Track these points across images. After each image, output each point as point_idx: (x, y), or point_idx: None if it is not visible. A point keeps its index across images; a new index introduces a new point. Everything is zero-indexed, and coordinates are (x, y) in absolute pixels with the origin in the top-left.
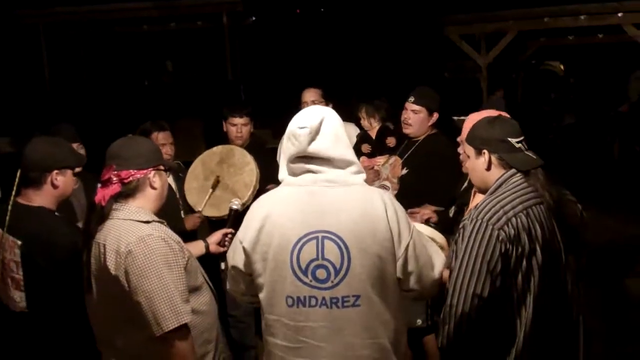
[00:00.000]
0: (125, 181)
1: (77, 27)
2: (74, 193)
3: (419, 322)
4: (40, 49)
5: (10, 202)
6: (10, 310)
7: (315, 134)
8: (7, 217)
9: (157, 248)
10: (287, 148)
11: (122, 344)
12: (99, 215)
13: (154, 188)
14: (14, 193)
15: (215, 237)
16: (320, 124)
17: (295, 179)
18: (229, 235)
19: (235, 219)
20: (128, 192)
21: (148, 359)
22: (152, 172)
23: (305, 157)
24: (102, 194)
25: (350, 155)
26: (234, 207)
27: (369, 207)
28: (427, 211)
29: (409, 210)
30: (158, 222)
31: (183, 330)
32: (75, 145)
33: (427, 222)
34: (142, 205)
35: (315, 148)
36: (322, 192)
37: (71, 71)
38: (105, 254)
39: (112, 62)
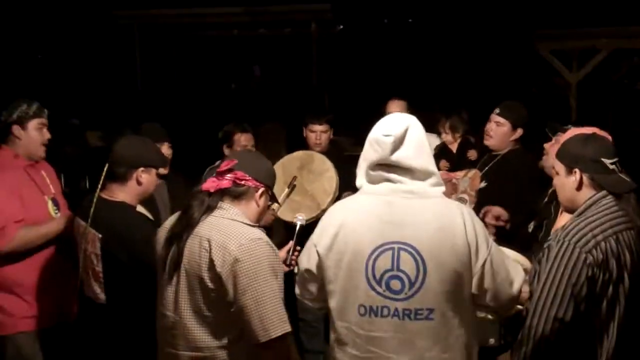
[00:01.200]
0: (238, 182)
1: (171, 29)
2: (158, 191)
3: (492, 341)
4: (134, 48)
5: (95, 196)
6: (92, 302)
7: (399, 143)
8: (91, 211)
9: (266, 253)
10: (368, 154)
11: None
12: (203, 206)
13: (257, 205)
14: (99, 187)
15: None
16: (405, 132)
17: (373, 187)
18: (296, 253)
19: (301, 234)
20: (236, 194)
21: None
22: (263, 189)
23: (386, 165)
24: (214, 184)
25: (432, 166)
26: (299, 222)
27: (447, 220)
28: (498, 208)
29: (484, 209)
30: (261, 228)
31: (288, 338)
32: (165, 145)
33: (498, 219)
34: (245, 212)
35: (397, 157)
36: (400, 202)
37: (162, 71)
38: (211, 250)
39: (202, 64)
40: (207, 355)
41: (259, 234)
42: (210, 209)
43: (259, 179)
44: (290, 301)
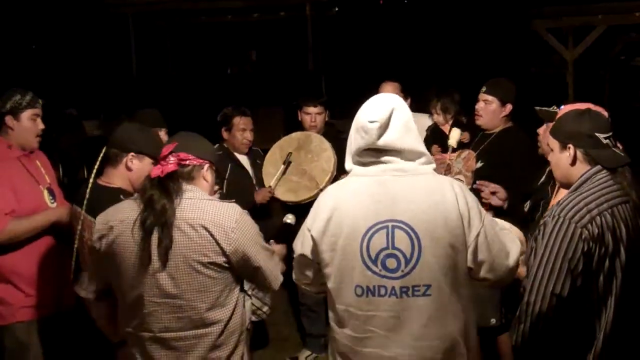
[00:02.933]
0: (182, 162)
1: (164, 16)
2: None
3: (493, 321)
4: (128, 36)
5: (91, 182)
6: None
7: (385, 127)
8: (87, 197)
9: (251, 220)
10: (355, 140)
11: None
12: (168, 192)
13: (207, 180)
14: (94, 172)
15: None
16: (390, 116)
17: (364, 169)
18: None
19: (284, 232)
20: (186, 175)
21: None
22: (207, 165)
23: (374, 152)
24: (160, 169)
25: (420, 146)
26: (288, 221)
27: (438, 195)
28: (495, 185)
29: (478, 182)
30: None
31: None
32: (162, 131)
33: (493, 194)
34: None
35: (384, 141)
36: (391, 181)
37: (157, 59)
38: (211, 232)
39: (196, 50)
40: (211, 331)
41: (237, 206)
42: (176, 193)
43: (200, 156)
44: (291, 286)
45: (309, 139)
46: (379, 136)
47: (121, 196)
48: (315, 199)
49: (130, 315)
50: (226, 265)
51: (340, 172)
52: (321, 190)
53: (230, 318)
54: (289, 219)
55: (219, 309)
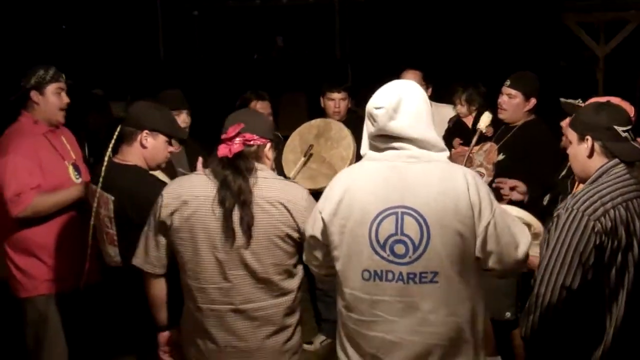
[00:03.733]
0: (248, 143)
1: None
2: (177, 158)
3: (508, 314)
4: (156, 19)
5: (106, 159)
6: (107, 266)
7: (393, 113)
8: (102, 173)
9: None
10: (367, 126)
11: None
12: (241, 171)
13: (268, 158)
14: (110, 148)
15: None
16: (398, 103)
17: (377, 154)
18: None
19: None
20: (253, 154)
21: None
22: (269, 145)
23: (386, 137)
24: (227, 149)
25: (432, 135)
26: None
27: (450, 183)
28: (513, 180)
29: (497, 180)
30: None
31: None
32: (184, 112)
33: (513, 189)
34: None
35: (394, 127)
36: (404, 167)
37: (185, 42)
38: (289, 210)
39: (224, 35)
40: (287, 299)
41: (302, 186)
42: (249, 172)
43: (264, 136)
44: (307, 271)
45: (328, 126)
46: (386, 123)
47: (140, 172)
48: None
49: (207, 290)
50: (299, 240)
51: (359, 159)
52: None
53: (299, 286)
54: None
55: (292, 279)
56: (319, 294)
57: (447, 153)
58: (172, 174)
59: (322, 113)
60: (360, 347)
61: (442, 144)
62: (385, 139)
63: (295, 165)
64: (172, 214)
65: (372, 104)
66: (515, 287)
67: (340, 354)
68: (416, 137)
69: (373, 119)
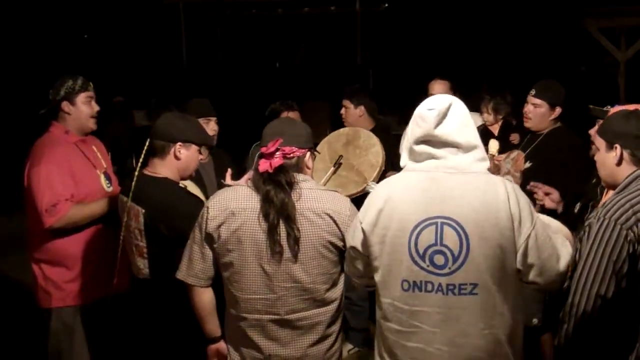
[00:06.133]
0: (288, 156)
1: (215, 7)
2: (204, 167)
3: (535, 321)
4: (179, 27)
5: (137, 171)
6: (135, 278)
7: (442, 116)
8: (133, 186)
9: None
10: (412, 131)
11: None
12: (283, 185)
13: (309, 167)
14: (140, 162)
15: None
16: (449, 108)
17: (417, 164)
18: None
19: None
20: (294, 167)
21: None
22: (309, 153)
23: (430, 141)
24: (267, 164)
25: (476, 140)
26: (370, 190)
27: (490, 195)
28: (549, 187)
29: (532, 183)
30: None
31: None
32: (212, 121)
33: (547, 195)
34: None
35: (441, 131)
36: (443, 178)
37: (207, 50)
38: (334, 220)
39: (246, 43)
40: (330, 308)
41: (344, 196)
42: (290, 185)
43: (303, 146)
44: None
45: (357, 134)
46: (437, 124)
47: (171, 184)
48: (363, 194)
49: (253, 301)
50: (343, 249)
51: (388, 167)
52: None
53: (341, 296)
54: (371, 187)
55: (335, 288)
56: (346, 303)
57: (488, 164)
58: (201, 184)
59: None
60: (399, 357)
61: (484, 152)
62: (428, 146)
63: (324, 174)
64: (219, 226)
65: (422, 107)
66: (543, 293)
67: None
68: (461, 142)
69: (422, 120)
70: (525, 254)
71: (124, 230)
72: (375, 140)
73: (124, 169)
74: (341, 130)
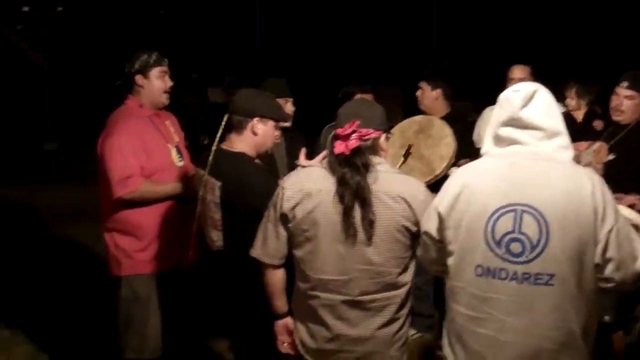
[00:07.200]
0: (364, 138)
1: None
2: (277, 147)
3: (607, 318)
4: (254, 8)
5: (214, 146)
6: (207, 250)
7: (529, 99)
8: (210, 160)
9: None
10: (496, 115)
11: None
12: (359, 167)
13: (384, 149)
14: (218, 136)
15: None
16: (534, 92)
17: (499, 149)
18: None
19: None
20: (370, 149)
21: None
22: (384, 136)
23: (514, 125)
24: (343, 146)
25: (562, 127)
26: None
27: (574, 185)
28: (633, 197)
29: (616, 195)
30: None
31: None
32: (289, 101)
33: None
34: None
35: (527, 113)
36: (525, 165)
37: (281, 31)
38: (410, 203)
39: (320, 24)
40: (401, 292)
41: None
42: (366, 167)
43: (378, 127)
44: None
45: (430, 123)
46: (522, 107)
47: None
48: (429, 184)
49: (325, 281)
50: (416, 233)
51: (457, 158)
52: (436, 176)
53: (411, 280)
54: (451, 171)
55: (406, 272)
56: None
57: (572, 153)
58: (272, 162)
59: (416, 106)
60: (468, 344)
61: (568, 139)
62: (513, 127)
63: (391, 160)
64: (294, 207)
65: (509, 90)
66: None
67: (446, 349)
68: (546, 127)
69: (508, 102)
70: (605, 248)
71: (200, 203)
72: (448, 131)
73: (197, 146)
74: (415, 117)
